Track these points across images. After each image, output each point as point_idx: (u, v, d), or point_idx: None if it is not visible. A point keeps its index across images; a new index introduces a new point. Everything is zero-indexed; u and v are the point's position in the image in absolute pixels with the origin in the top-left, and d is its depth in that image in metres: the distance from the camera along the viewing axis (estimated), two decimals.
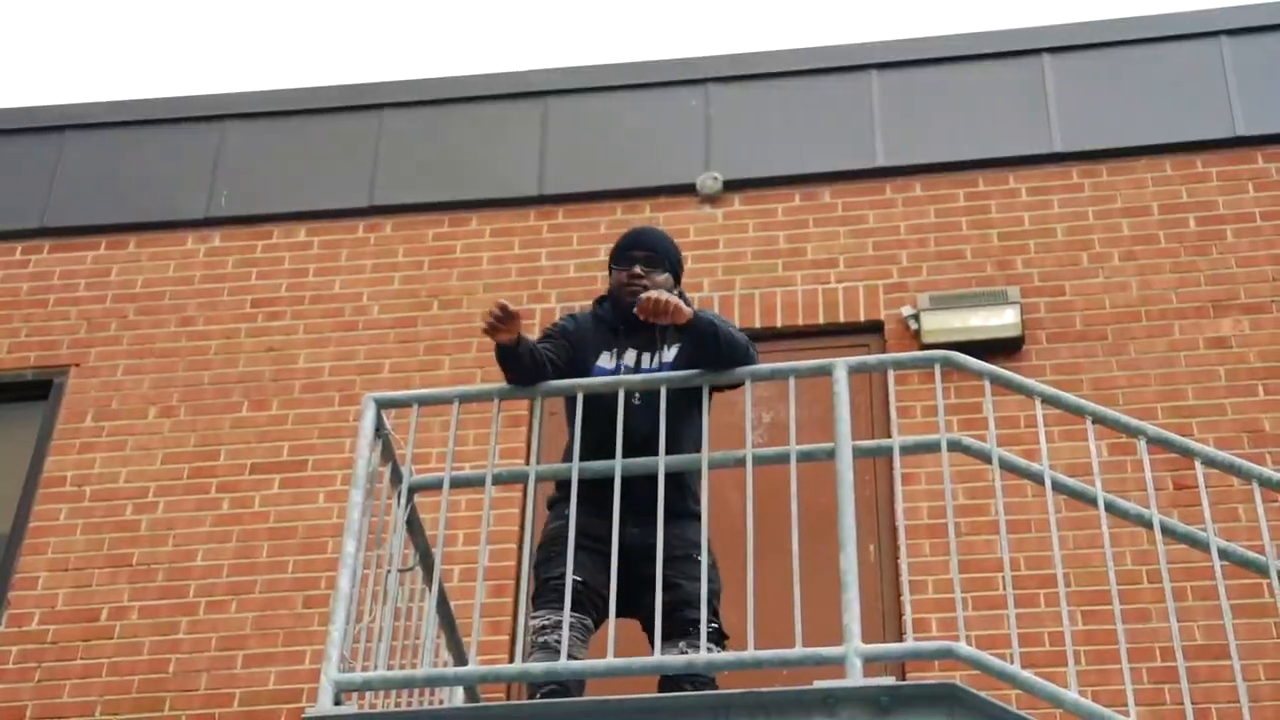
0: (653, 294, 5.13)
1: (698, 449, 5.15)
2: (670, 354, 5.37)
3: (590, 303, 5.77)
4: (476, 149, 9.10)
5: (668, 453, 4.94)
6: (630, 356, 5.36)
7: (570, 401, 5.24)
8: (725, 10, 21.44)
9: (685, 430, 5.18)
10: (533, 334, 7.98)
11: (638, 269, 5.49)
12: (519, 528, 7.53)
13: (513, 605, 7.24)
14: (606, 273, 5.65)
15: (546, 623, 5.04)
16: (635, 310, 5.18)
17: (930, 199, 8.49)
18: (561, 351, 5.36)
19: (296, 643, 7.40)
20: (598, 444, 5.03)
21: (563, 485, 5.26)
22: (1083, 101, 8.72)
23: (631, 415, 5.08)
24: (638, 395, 5.20)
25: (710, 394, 5.25)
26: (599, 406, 5.11)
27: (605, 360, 5.36)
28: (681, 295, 5.46)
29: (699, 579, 5.00)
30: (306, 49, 24.01)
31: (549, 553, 5.20)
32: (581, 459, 5.01)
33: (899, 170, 8.62)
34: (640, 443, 5.01)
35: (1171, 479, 7.14)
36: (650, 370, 5.31)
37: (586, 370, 5.30)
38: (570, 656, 4.74)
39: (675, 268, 5.60)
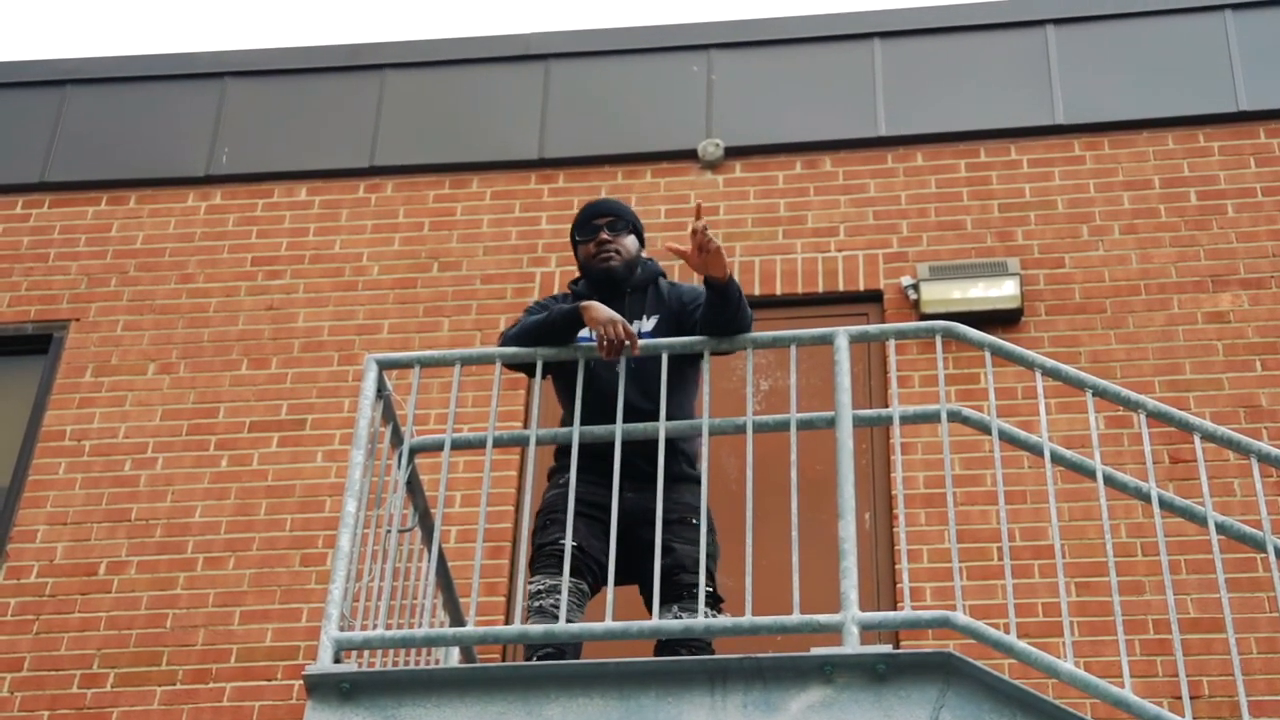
0: (713, 239, 4.92)
1: (688, 416, 5.14)
2: (649, 324, 5.35)
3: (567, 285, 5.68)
4: (478, 111, 9.09)
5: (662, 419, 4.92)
6: None
7: (559, 378, 5.24)
8: None
9: (678, 398, 5.19)
10: (532, 296, 8.02)
11: (604, 234, 5.43)
12: (516, 490, 7.56)
13: (509, 567, 7.28)
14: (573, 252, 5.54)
15: (542, 587, 5.03)
16: (696, 247, 4.93)
17: (931, 169, 8.49)
18: None
19: (293, 600, 7.44)
20: (589, 415, 5.02)
21: (560, 455, 5.26)
22: (1085, 73, 8.72)
23: (621, 384, 5.04)
24: (624, 363, 5.12)
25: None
26: (589, 377, 5.09)
27: (587, 334, 5.25)
28: (646, 258, 5.49)
29: (694, 543, 5.01)
30: (310, 8, 23.91)
31: (545, 520, 5.22)
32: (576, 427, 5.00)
33: (901, 139, 8.62)
34: (629, 410, 5.01)
35: (1167, 453, 7.18)
36: None
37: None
38: (567, 621, 4.75)
39: (638, 230, 5.56)
